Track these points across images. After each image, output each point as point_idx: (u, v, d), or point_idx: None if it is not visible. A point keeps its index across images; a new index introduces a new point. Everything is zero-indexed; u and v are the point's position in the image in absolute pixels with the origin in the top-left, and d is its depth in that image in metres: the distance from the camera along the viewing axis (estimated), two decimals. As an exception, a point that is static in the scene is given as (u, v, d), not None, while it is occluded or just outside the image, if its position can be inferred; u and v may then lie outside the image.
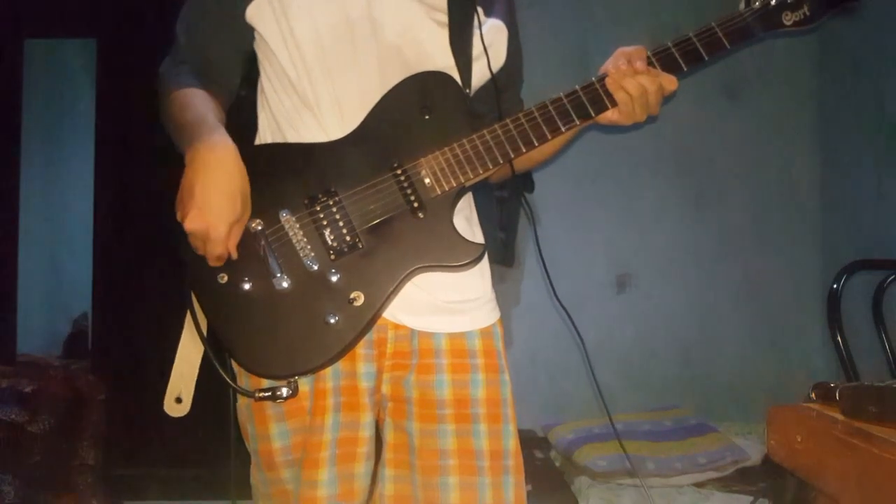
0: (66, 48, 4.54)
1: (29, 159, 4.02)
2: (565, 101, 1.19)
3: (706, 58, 1.20)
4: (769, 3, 1.21)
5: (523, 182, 1.45)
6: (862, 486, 0.94)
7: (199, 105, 1.17)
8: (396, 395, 1.21)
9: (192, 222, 1.05)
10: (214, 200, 1.05)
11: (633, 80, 1.18)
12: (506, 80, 1.32)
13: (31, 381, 2.88)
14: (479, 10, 1.26)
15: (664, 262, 3.21)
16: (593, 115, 1.20)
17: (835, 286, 2.20)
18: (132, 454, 3.17)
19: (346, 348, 1.13)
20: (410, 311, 1.19)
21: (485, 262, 1.28)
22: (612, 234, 3.21)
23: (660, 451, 2.49)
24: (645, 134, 3.10)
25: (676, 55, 1.19)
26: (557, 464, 2.73)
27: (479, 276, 1.27)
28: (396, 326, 1.20)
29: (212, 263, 1.10)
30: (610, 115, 1.21)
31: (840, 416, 1.02)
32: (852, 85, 3.01)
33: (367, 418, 1.18)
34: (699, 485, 2.43)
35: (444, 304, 1.21)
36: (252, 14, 1.21)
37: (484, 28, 1.26)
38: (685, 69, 1.20)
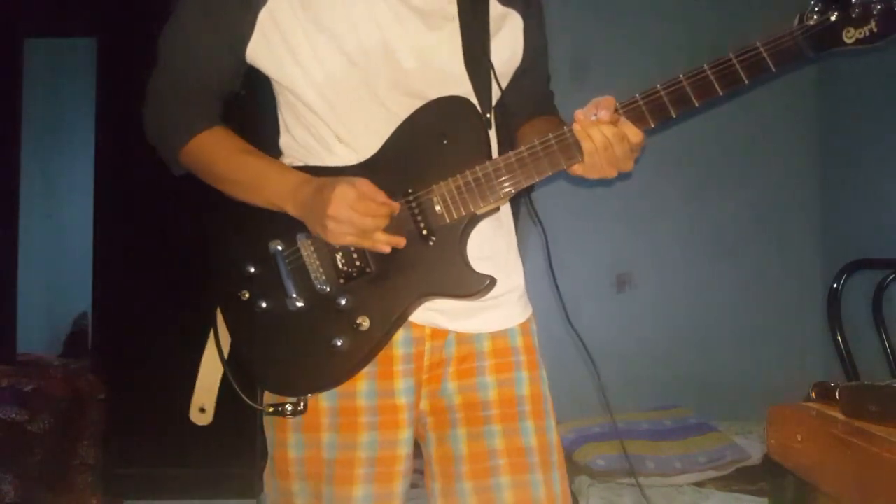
0: (66, 48, 4.53)
1: (29, 159, 4.02)
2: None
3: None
4: (828, 20, 1.03)
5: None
6: (862, 485, 0.94)
7: (241, 154, 1.18)
8: (436, 407, 1.20)
9: (336, 229, 1.07)
10: (340, 211, 1.06)
11: (596, 128, 1.10)
12: (525, 77, 1.28)
13: (31, 380, 2.88)
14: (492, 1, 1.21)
15: (664, 262, 3.21)
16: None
17: (835, 286, 2.20)
18: (132, 454, 3.17)
19: (350, 372, 1.13)
20: (449, 314, 1.18)
21: (516, 254, 1.28)
22: (612, 234, 3.21)
23: (660, 451, 2.49)
24: (645, 132, 3.10)
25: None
26: (557, 463, 2.73)
27: (514, 270, 1.26)
28: (433, 338, 1.19)
29: (386, 214, 1.10)
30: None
31: (840, 416, 1.02)
32: (852, 84, 3.01)
33: (405, 435, 1.17)
34: (699, 484, 2.43)
35: (479, 300, 1.18)
36: (254, 55, 1.17)
37: (497, 24, 1.21)
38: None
